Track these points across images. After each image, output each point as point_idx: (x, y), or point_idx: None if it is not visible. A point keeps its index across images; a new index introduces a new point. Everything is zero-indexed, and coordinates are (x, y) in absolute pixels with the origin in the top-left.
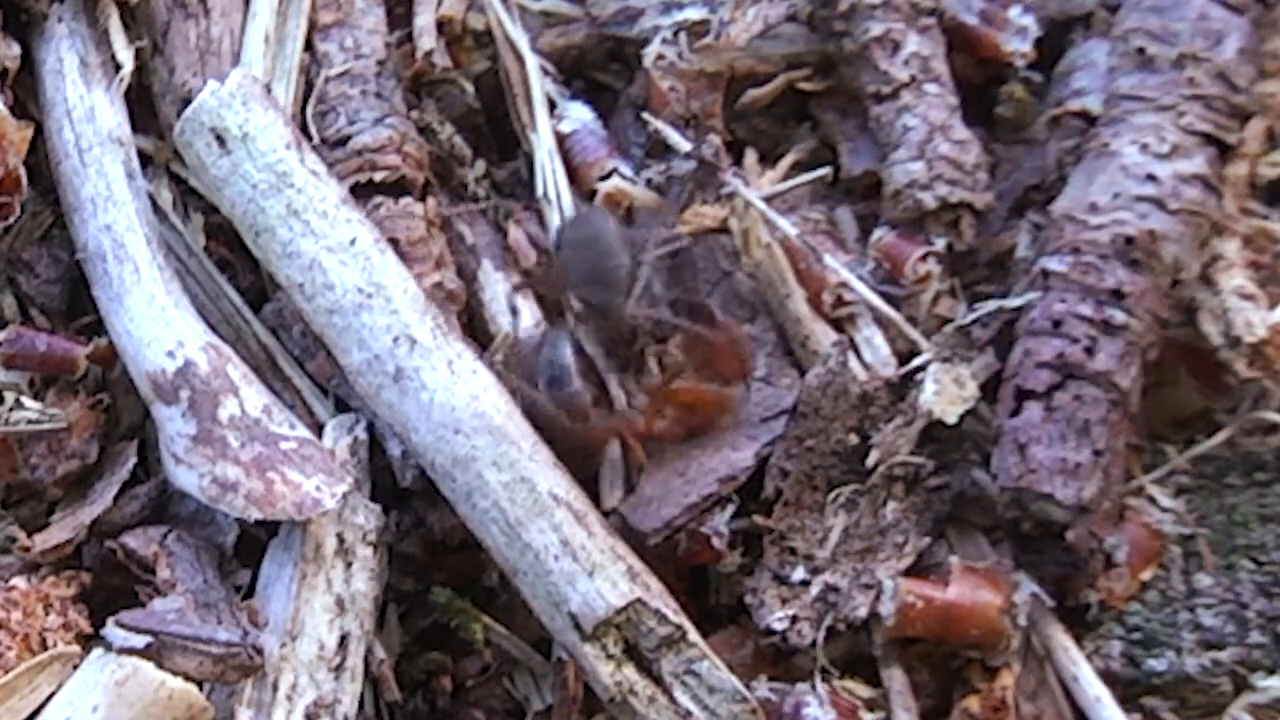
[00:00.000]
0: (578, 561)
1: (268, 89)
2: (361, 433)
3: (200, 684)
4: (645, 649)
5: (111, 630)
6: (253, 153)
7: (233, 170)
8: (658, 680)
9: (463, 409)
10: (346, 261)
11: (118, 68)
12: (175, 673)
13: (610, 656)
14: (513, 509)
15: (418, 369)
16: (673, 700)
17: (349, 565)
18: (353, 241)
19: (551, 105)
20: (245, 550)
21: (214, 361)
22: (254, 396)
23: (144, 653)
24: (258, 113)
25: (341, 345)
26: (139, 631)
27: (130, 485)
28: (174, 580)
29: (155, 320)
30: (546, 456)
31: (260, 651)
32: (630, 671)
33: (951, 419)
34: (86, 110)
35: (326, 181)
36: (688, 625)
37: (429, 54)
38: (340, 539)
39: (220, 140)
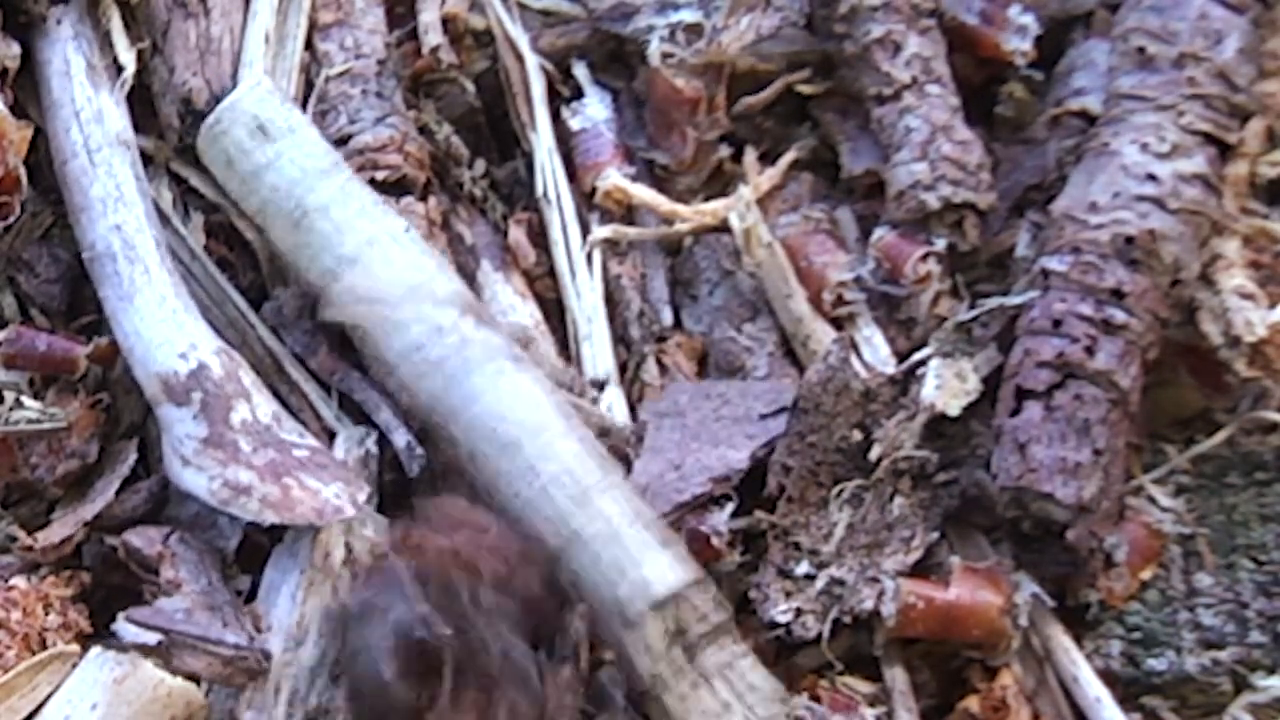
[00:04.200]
0: (627, 548)
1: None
2: (373, 445)
3: (201, 684)
4: (692, 637)
5: (123, 625)
6: (298, 141)
7: (276, 157)
8: (700, 670)
9: (510, 397)
10: (401, 246)
11: (120, 69)
12: (183, 672)
13: (650, 648)
14: (561, 496)
15: (465, 358)
16: (714, 691)
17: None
18: (407, 229)
19: (567, 98)
20: (245, 556)
21: (227, 366)
22: (265, 404)
23: (155, 650)
24: (295, 112)
25: (382, 333)
26: (150, 628)
27: (130, 483)
28: (179, 581)
29: (167, 321)
30: (593, 446)
31: (268, 656)
32: (678, 655)
33: (954, 411)
34: (95, 112)
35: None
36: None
37: (435, 49)
38: (349, 549)
39: (263, 130)
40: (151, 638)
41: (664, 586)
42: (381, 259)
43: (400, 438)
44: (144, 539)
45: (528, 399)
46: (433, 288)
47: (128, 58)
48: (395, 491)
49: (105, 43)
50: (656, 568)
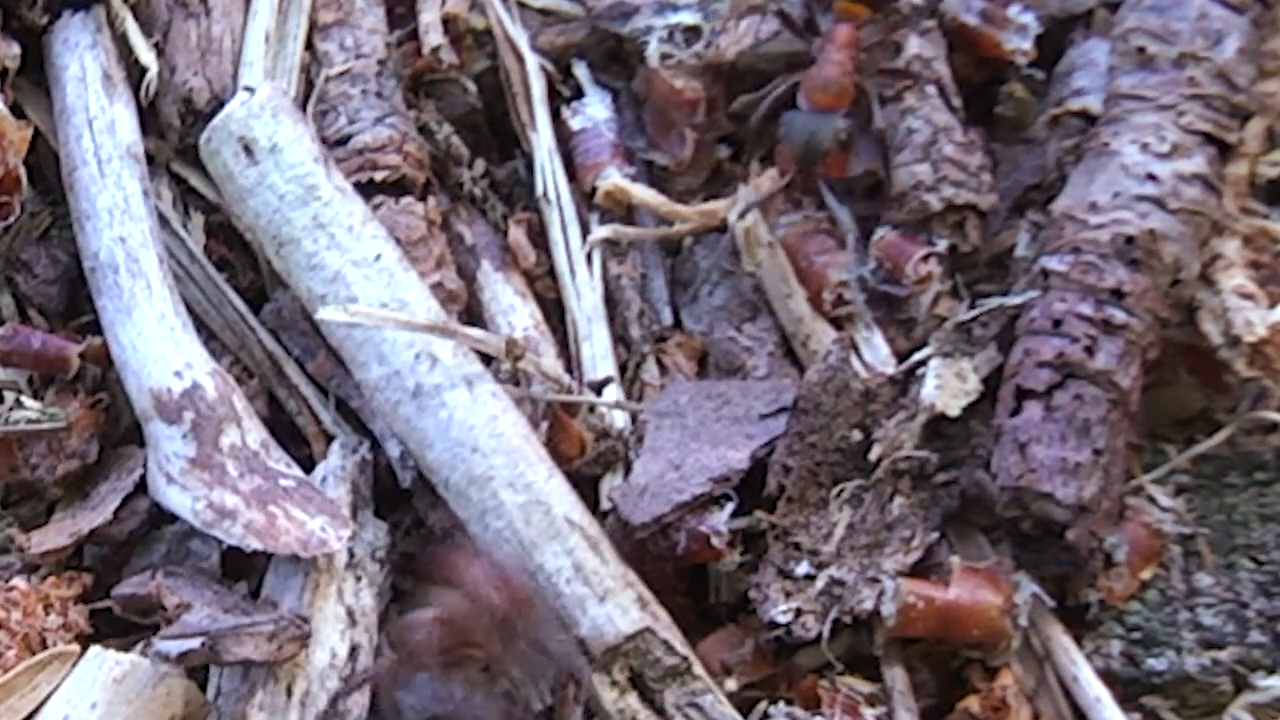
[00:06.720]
0: (589, 586)
1: (294, 103)
2: (367, 453)
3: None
4: (650, 679)
5: (162, 644)
6: (280, 164)
7: (259, 181)
8: (660, 711)
9: (481, 428)
10: (371, 276)
11: (143, 72)
12: (237, 661)
13: (615, 684)
14: (527, 530)
15: (438, 386)
16: None
17: (359, 579)
18: (378, 257)
19: (567, 98)
20: (230, 569)
21: (221, 389)
22: (255, 430)
23: (204, 653)
24: (286, 125)
25: (360, 359)
26: (189, 636)
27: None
28: (187, 602)
29: (164, 338)
30: (562, 481)
31: (307, 621)
32: (633, 700)
33: (954, 412)
34: (108, 122)
35: (353, 198)
36: (693, 658)
37: (435, 49)
38: (351, 554)
39: (248, 151)
40: (194, 642)
41: (601, 643)
42: (352, 293)
43: (393, 447)
44: (133, 585)
45: (500, 428)
46: (407, 316)
47: (149, 57)
48: (390, 498)
49: (121, 48)
50: (595, 625)
